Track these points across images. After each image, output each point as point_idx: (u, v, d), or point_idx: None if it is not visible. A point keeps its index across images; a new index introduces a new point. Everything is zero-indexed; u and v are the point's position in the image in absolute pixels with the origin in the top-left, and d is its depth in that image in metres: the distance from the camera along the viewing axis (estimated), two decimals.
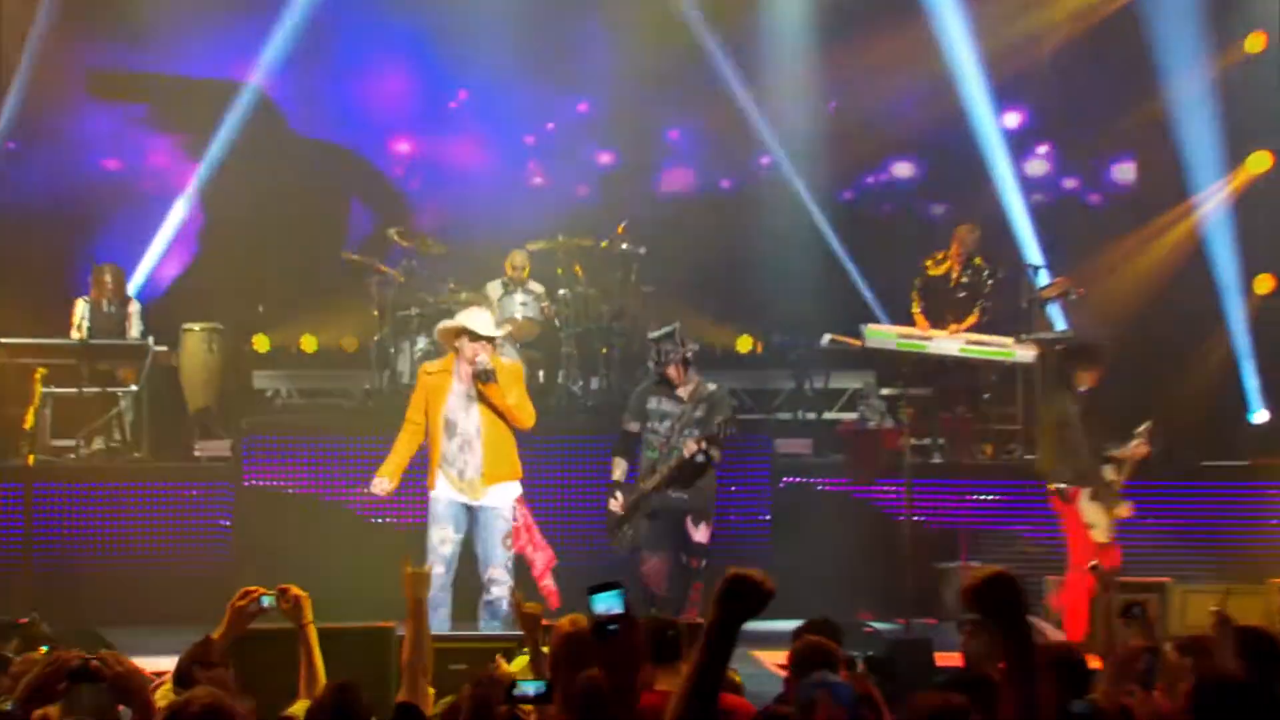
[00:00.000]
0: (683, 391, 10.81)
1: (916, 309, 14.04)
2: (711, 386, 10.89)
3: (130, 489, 12.82)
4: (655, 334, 11.04)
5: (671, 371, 10.76)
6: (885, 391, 14.46)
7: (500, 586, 9.98)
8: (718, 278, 15.83)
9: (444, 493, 10.15)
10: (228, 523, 12.81)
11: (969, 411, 13.73)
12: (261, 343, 15.98)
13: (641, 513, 10.73)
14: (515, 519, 10.17)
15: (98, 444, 13.51)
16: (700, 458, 10.46)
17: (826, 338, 14.01)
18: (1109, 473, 10.99)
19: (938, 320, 13.87)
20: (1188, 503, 12.88)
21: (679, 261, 15.06)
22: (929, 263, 14.09)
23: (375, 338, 14.19)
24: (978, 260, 14.06)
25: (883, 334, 13.65)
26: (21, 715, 4.76)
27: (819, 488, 13.27)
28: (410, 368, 13.67)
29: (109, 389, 13.56)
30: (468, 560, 10.29)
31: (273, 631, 6.63)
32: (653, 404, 10.82)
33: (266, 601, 6.15)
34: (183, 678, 5.65)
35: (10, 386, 13.33)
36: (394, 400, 13.30)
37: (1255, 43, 15.68)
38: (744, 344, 16.63)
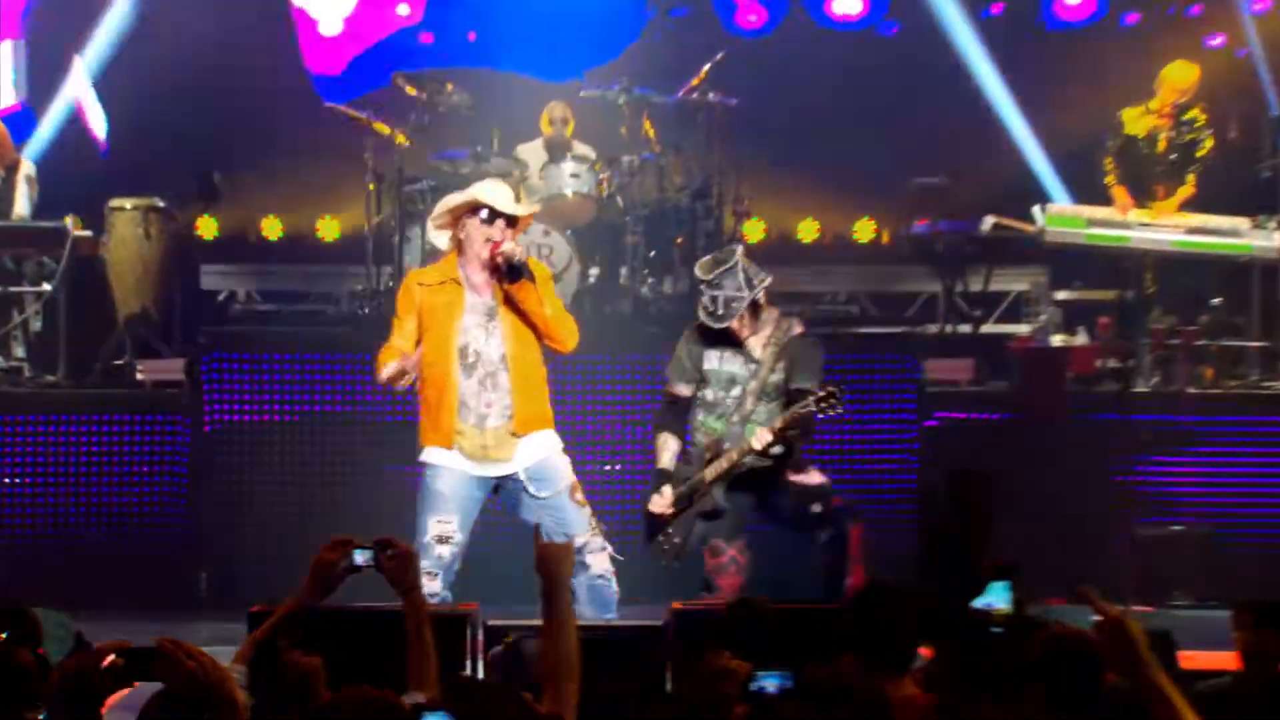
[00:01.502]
0: (754, 343, 9.88)
1: (1112, 179, 13.69)
2: (795, 329, 9.93)
3: (47, 426, 12.56)
4: (706, 270, 9.91)
5: (735, 326, 9.78)
6: (1061, 295, 14.45)
7: (598, 557, 9.31)
8: (830, 140, 15.46)
9: (449, 460, 9.32)
10: (183, 471, 12.64)
11: (1186, 322, 13.42)
12: (208, 226, 15.72)
13: (696, 510, 9.97)
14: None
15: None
16: (776, 449, 9.63)
17: (989, 221, 13.69)
18: None
19: (1141, 197, 13.57)
20: None
21: (781, 118, 14.93)
22: (1127, 115, 13.75)
23: (374, 221, 13.87)
24: (1195, 111, 13.72)
25: (1067, 220, 13.40)
26: None
27: (983, 427, 12.93)
28: (420, 263, 13.24)
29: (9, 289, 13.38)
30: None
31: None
32: (712, 361, 9.95)
33: (361, 558, 5.90)
34: (266, 658, 5.61)
35: None
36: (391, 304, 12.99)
37: None
38: (864, 231, 16.50)
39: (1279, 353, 13.72)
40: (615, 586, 9.26)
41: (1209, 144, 13.64)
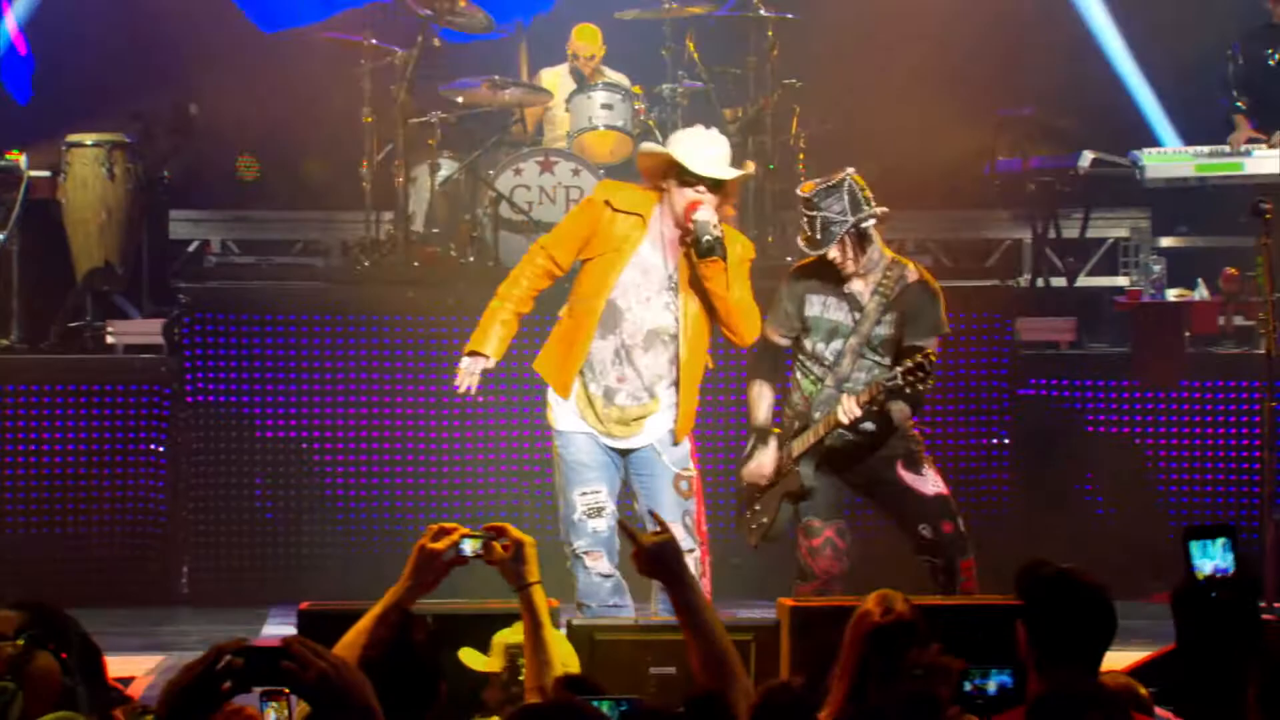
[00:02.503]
0: (860, 286, 9.71)
1: (1241, 105, 13.82)
2: (909, 275, 9.78)
3: (3, 398, 12.82)
4: (809, 188, 9.73)
5: (834, 252, 9.58)
6: (1167, 242, 14.63)
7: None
8: (902, 61, 15.46)
9: (580, 425, 9.50)
10: (160, 449, 12.86)
11: None
12: (249, 167, 15.91)
13: (782, 489, 9.92)
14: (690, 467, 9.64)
15: None
16: (868, 425, 9.60)
17: (1088, 156, 13.78)
18: None
19: (1268, 124, 13.74)
20: None
21: (846, 37, 14.92)
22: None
23: (376, 160, 14.06)
24: None
25: (1166, 158, 13.55)
26: None
27: (1086, 395, 13.12)
28: (435, 208, 13.74)
29: None
30: None
31: None
32: (814, 308, 9.82)
33: (469, 548, 6.00)
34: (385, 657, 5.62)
35: None
36: (406, 257, 13.59)
37: None
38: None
39: None
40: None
41: None
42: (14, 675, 5.80)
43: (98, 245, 13.72)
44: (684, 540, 9.15)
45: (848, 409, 9.49)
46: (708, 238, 9.07)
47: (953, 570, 9.78)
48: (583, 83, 14.12)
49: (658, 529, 6.08)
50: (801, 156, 14.20)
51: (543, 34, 14.81)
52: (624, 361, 9.40)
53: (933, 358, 9.39)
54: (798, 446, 9.83)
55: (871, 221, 9.55)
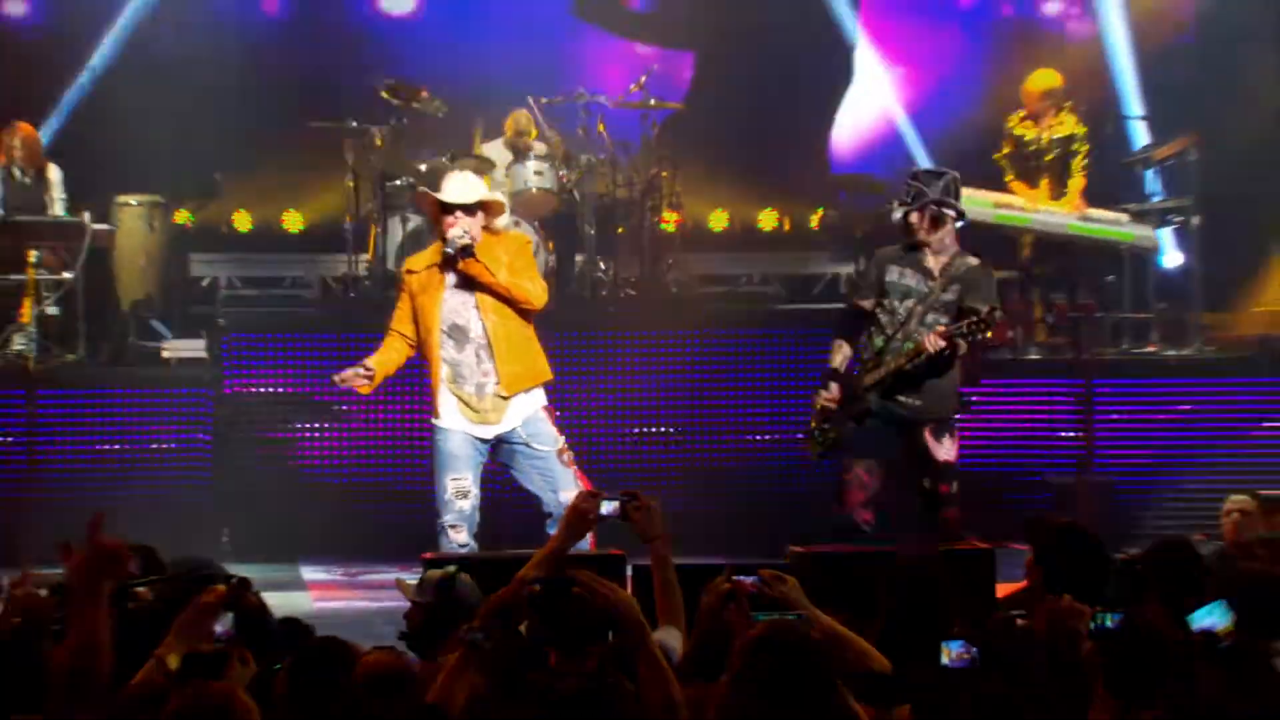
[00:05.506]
0: (932, 263, 10.16)
1: (1010, 178, 14.35)
2: (972, 261, 10.22)
3: (91, 399, 13.10)
4: (919, 169, 10.47)
5: (914, 218, 10.12)
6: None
7: None
8: (751, 138, 16.34)
9: (457, 423, 9.77)
10: (204, 436, 13.15)
11: (1088, 296, 14.18)
12: (184, 216, 16.06)
13: (850, 412, 10.24)
14: (555, 427, 9.94)
15: (19, 344, 13.45)
16: (946, 351, 9.87)
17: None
18: None
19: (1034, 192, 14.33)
20: None
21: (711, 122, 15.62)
22: (1013, 122, 14.45)
23: (358, 214, 14.50)
24: (1064, 113, 14.41)
25: (977, 201, 13.63)
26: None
27: None
28: (405, 250, 13.94)
29: (36, 276, 13.53)
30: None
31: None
32: (893, 275, 10.20)
33: (607, 509, 6.19)
34: (554, 599, 5.65)
35: None
36: (382, 287, 13.83)
37: None
38: (768, 220, 17.29)
39: (1153, 324, 14.59)
40: None
41: (1083, 141, 14.23)
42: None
43: (140, 282, 14.28)
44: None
45: (932, 341, 9.77)
46: (450, 249, 9.56)
47: (938, 517, 10.12)
48: (518, 154, 14.43)
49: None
50: (679, 206, 14.91)
51: (489, 115, 15.13)
52: (484, 358, 9.73)
53: (996, 314, 9.81)
54: (870, 379, 10.12)
55: (951, 213, 10.04)
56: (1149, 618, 5.33)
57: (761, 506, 12.53)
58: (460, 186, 9.83)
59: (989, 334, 9.91)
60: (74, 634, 5.13)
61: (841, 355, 10.33)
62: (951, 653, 4.99)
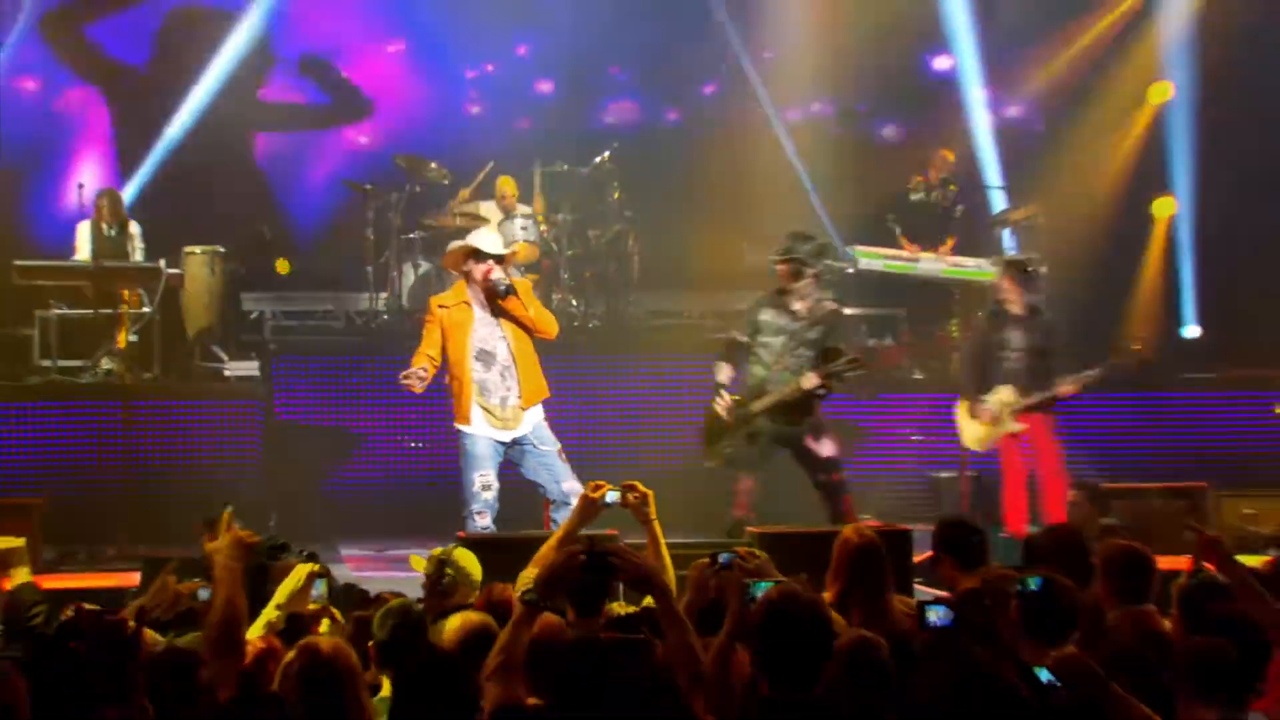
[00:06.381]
0: (799, 306, 10.24)
1: (899, 231, 14.69)
2: (829, 305, 10.34)
3: (166, 408, 13.08)
4: (794, 231, 10.50)
5: (782, 268, 10.24)
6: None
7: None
8: (699, 204, 16.35)
9: (482, 430, 9.74)
10: (257, 440, 13.19)
11: (956, 329, 14.51)
12: (283, 266, 16.32)
13: (742, 432, 10.28)
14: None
15: (107, 364, 13.66)
16: (819, 392, 10.05)
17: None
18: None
19: (922, 244, 14.70)
20: (1167, 412, 13.94)
21: (660, 189, 15.67)
22: (909, 187, 14.87)
23: (378, 260, 14.70)
24: (951, 185, 14.94)
25: (872, 255, 14.12)
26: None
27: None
28: (416, 290, 14.39)
29: (116, 310, 13.69)
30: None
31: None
32: (766, 316, 10.31)
33: (611, 496, 6.25)
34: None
35: (17, 308, 13.86)
36: (396, 320, 14.23)
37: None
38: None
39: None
40: None
41: (959, 209, 14.75)
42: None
43: (203, 315, 14.34)
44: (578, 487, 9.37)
45: (810, 380, 9.96)
46: (501, 286, 9.63)
47: (836, 502, 10.25)
48: (507, 213, 14.69)
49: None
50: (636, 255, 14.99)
51: (480, 180, 15.23)
52: (508, 377, 9.70)
53: (861, 360, 10.12)
54: (760, 404, 10.16)
55: (809, 268, 10.18)
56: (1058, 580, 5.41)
57: (697, 489, 12.44)
58: (496, 240, 10.00)
59: (859, 376, 10.09)
60: (220, 600, 5.43)
61: (724, 374, 10.39)
62: (935, 615, 5.03)
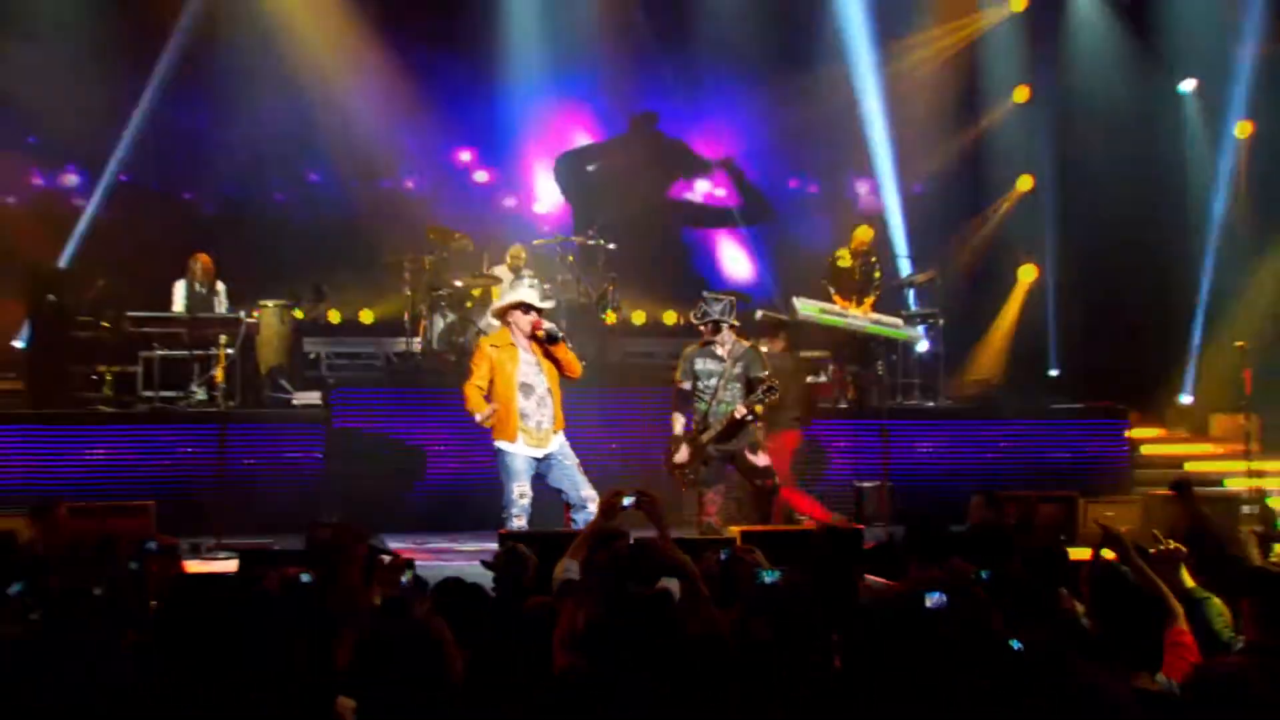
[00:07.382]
0: (721, 351, 10.20)
1: (832, 290, 14.69)
2: (745, 345, 10.29)
3: (248, 429, 12.88)
4: (710, 293, 10.32)
5: (702, 328, 10.17)
6: (804, 354, 14.64)
7: (595, 504, 9.46)
8: (663, 269, 16.54)
9: (521, 449, 9.60)
10: (319, 454, 13.03)
11: (877, 369, 14.47)
12: (334, 315, 16.38)
13: (699, 459, 10.20)
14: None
15: (199, 394, 13.59)
16: (749, 418, 10.04)
17: (759, 313, 13.52)
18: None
19: (848, 302, 14.61)
20: (1041, 433, 13.92)
21: (633, 256, 15.60)
22: (839, 254, 14.83)
23: (412, 312, 14.66)
24: (873, 256, 14.95)
25: (810, 307, 13.99)
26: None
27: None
28: (442, 335, 14.32)
29: (213, 351, 13.51)
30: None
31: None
32: (700, 364, 10.26)
33: (628, 501, 6.09)
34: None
35: (127, 350, 13.81)
36: (428, 360, 14.10)
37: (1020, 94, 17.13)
38: (669, 317, 17.32)
39: (916, 386, 14.68)
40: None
41: (878, 274, 14.72)
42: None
43: (274, 355, 14.25)
44: (594, 493, 9.58)
45: (740, 411, 9.86)
46: (556, 335, 9.60)
47: (767, 505, 10.25)
48: (517, 274, 14.49)
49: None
50: (618, 308, 14.88)
51: (491, 247, 15.32)
52: (543, 406, 9.62)
53: (775, 385, 9.86)
54: (705, 437, 10.10)
55: (725, 321, 10.09)
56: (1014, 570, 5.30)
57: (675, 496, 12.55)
58: (537, 295, 9.97)
59: (775, 397, 9.91)
60: (343, 581, 5.50)
61: (679, 424, 10.30)
62: (931, 599, 4.71)
